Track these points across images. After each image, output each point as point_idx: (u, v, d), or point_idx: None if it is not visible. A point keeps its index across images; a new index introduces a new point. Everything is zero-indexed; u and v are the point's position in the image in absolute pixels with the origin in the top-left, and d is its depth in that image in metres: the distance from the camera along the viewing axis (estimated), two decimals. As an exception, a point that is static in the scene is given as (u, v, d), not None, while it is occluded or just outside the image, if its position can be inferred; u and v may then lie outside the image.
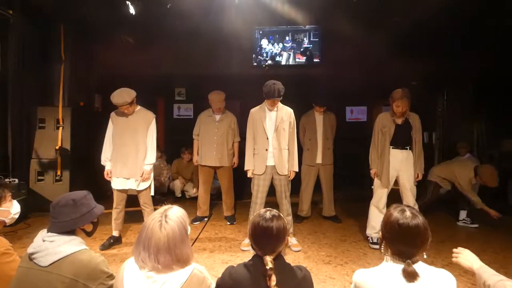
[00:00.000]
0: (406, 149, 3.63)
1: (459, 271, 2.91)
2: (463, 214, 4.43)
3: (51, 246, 1.48)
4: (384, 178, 3.61)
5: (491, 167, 4.18)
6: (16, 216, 2.11)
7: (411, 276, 1.28)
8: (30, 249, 1.50)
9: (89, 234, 1.71)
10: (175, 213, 1.39)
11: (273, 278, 1.36)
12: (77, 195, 1.63)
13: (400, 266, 1.32)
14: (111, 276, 1.52)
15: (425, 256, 1.37)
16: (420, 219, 1.35)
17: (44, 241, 1.51)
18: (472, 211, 4.45)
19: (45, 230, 1.57)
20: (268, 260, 1.40)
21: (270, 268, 1.37)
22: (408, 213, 1.37)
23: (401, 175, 3.63)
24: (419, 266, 1.32)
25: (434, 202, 4.58)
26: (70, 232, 1.56)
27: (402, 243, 1.33)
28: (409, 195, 3.60)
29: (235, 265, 1.50)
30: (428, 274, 1.31)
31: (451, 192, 4.50)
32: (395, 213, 1.38)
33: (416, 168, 3.61)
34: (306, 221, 4.51)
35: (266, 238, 1.45)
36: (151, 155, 3.52)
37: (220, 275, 1.51)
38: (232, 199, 4.55)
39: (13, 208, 2.10)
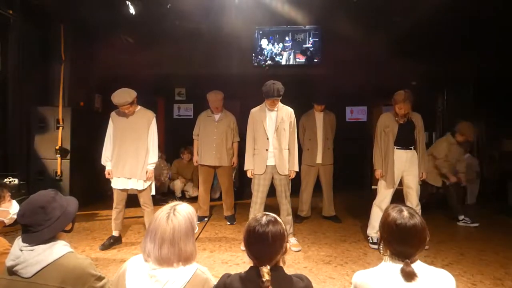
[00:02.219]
0: (411, 149, 3.61)
1: (459, 271, 2.90)
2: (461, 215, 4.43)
3: (30, 256, 1.37)
4: (389, 179, 3.58)
5: (467, 122, 4.45)
6: (15, 216, 2.11)
7: (409, 276, 1.28)
8: (8, 262, 1.38)
9: (69, 231, 1.59)
10: (184, 208, 1.41)
11: None
12: (43, 200, 1.46)
13: (399, 266, 1.32)
14: (99, 278, 1.46)
15: (426, 247, 1.35)
16: (417, 219, 1.34)
17: (21, 251, 1.38)
18: (471, 211, 4.45)
19: (20, 238, 1.43)
20: (265, 271, 1.29)
21: (267, 280, 1.27)
22: (405, 213, 1.36)
23: (406, 175, 3.61)
24: (419, 266, 1.32)
25: (427, 200, 4.59)
26: (50, 238, 1.43)
27: (400, 243, 1.33)
28: (414, 195, 3.59)
29: (231, 273, 1.42)
30: (427, 274, 1.31)
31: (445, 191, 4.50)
32: (393, 213, 1.38)
33: (421, 168, 3.60)
34: (306, 221, 4.51)
35: (262, 246, 1.34)
36: (153, 155, 3.52)
37: (219, 275, 1.48)
38: (232, 198, 4.55)
39: (12, 208, 2.10)
